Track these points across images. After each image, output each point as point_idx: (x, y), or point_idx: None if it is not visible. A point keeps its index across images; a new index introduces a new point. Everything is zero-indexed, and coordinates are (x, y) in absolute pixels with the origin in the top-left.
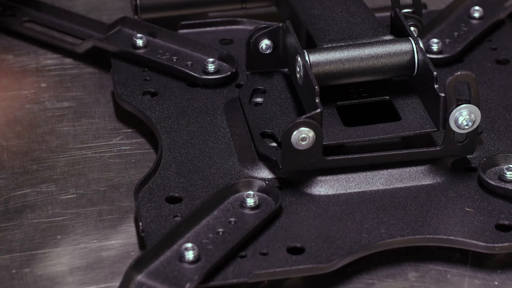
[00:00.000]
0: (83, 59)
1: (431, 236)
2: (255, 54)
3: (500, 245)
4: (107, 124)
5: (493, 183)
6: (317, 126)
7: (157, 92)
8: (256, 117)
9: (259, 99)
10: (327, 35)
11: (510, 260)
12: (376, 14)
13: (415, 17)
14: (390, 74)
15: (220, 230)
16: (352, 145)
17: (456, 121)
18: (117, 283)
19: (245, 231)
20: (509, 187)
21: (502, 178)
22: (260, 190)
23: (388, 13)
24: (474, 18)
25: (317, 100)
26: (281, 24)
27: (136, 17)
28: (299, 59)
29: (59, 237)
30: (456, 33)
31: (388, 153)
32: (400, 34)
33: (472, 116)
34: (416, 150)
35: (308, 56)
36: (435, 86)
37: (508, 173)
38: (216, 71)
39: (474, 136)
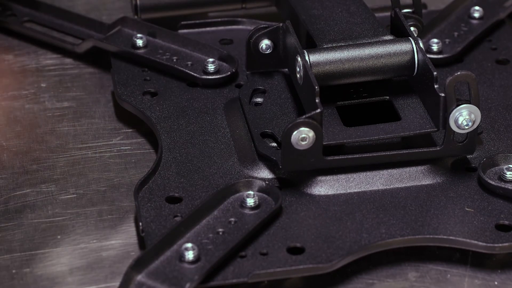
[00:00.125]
0: (83, 59)
1: (431, 236)
2: (255, 54)
3: (500, 245)
4: (107, 124)
5: (493, 183)
6: (317, 126)
7: (157, 92)
8: (256, 117)
9: (259, 99)
10: (327, 35)
11: (510, 260)
12: (376, 14)
13: (415, 17)
14: (390, 74)
15: (220, 230)
16: (352, 145)
17: (456, 121)
18: (117, 283)
19: (245, 231)
20: (509, 187)
21: (502, 178)
22: (260, 190)
23: (388, 13)
24: (474, 18)
25: (317, 100)
26: (281, 24)
27: (136, 17)
28: (299, 59)
29: (59, 237)
30: (456, 33)
31: (388, 153)
32: (400, 34)
33: (472, 116)
34: (416, 150)
35: (308, 56)
36: (435, 86)
37: (508, 173)
38: (216, 71)
39: (474, 136)
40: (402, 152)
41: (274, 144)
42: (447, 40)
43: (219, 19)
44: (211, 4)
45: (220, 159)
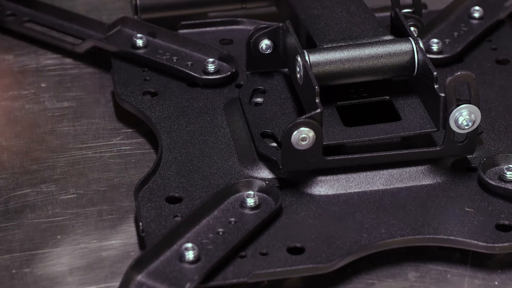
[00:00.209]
0: (83, 59)
1: (431, 236)
2: (255, 54)
3: (500, 245)
4: (107, 124)
5: (493, 183)
6: (317, 126)
7: (157, 92)
8: (256, 117)
9: (259, 99)
10: (327, 35)
11: (510, 260)
12: (376, 14)
13: (415, 17)
14: (390, 74)
15: (220, 230)
16: (352, 145)
17: (456, 121)
18: (117, 283)
19: (245, 231)
20: (509, 187)
21: (502, 178)
22: (260, 190)
23: (388, 13)
24: (474, 18)
25: (317, 100)
26: (281, 24)
27: (136, 17)
28: (299, 59)
29: (59, 237)
30: (456, 33)
31: (388, 153)
32: (400, 34)
33: (472, 116)
34: (416, 150)
35: (308, 56)
36: (435, 86)
37: (508, 173)
38: (216, 71)
39: (474, 136)
40: (402, 152)
41: (274, 144)
42: (447, 40)
43: (219, 19)
44: (211, 4)
45: (220, 159)
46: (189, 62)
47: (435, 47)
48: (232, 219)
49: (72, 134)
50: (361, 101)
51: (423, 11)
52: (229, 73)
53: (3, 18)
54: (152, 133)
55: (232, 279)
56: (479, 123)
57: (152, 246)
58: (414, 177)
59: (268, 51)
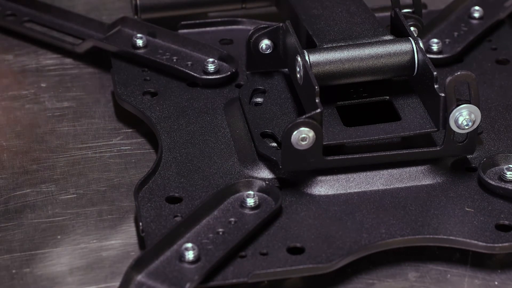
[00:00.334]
0: (83, 59)
1: (431, 236)
2: (255, 54)
3: (500, 245)
4: (107, 124)
5: (493, 183)
6: (317, 126)
7: (157, 92)
8: (256, 117)
9: (259, 99)
10: (327, 35)
11: (510, 260)
12: (376, 14)
13: (415, 17)
14: (390, 74)
15: (220, 230)
16: (352, 145)
17: (456, 121)
18: (117, 283)
19: (245, 231)
20: (509, 187)
21: (502, 178)
22: (260, 190)
23: (388, 13)
24: (474, 18)
25: (317, 100)
26: (281, 24)
27: (136, 17)
28: (299, 59)
29: (59, 237)
30: (456, 33)
31: (388, 153)
32: (400, 34)
33: (472, 116)
34: (416, 150)
35: (308, 56)
36: (435, 86)
37: (508, 173)
38: (216, 71)
39: (474, 136)
40: (402, 152)
41: (274, 144)
42: (447, 40)
43: (219, 19)
44: (211, 4)
45: (220, 159)
46: (189, 62)
47: (435, 47)
48: (232, 219)
49: (72, 134)
50: (361, 101)
51: (423, 11)
52: (229, 73)
53: (3, 18)
54: (152, 133)
55: (232, 279)
56: (479, 123)
57: (152, 246)
58: (414, 177)
59: (268, 51)
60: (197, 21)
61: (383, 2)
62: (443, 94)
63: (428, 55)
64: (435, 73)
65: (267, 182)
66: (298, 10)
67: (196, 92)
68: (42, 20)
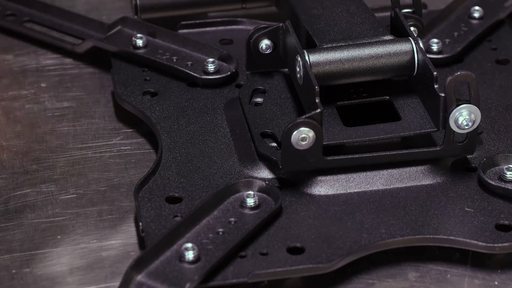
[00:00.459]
0: (83, 59)
1: (431, 236)
2: (255, 54)
3: (500, 245)
4: (107, 124)
5: (493, 183)
6: (317, 126)
7: (157, 92)
8: (256, 117)
9: (259, 99)
10: (327, 35)
11: (510, 260)
12: (376, 14)
13: (415, 17)
14: (390, 74)
15: (220, 230)
16: (352, 145)
17: (456, 121)
18: (117, 283)
19: (245, 231)
20: (509, 187)
21: (502, 178)
22: (260, 190)
23: (388, 13)
24: (474, 18)
25: (317, 100)
26: (281, 24)
27: (136, 17)
28: (299, 59)
29: (59, 237)
30: (456, 33)
31: (388, 153)
32: (400, 34)
33: (472, 116)
34: (416, 150)
35: (308, 56)
36: (435, 86)
37: (508, 173)
38: (216, 71)
39: (474, 136)
40: (402, 152)
41: (274, 144)
42: (447, 40)
43: (219, 19)
44: (211, 4)
45: (220, 159)
46: (189, 62)
47: (435, 47)
48: (232, 219)
49: (72, 134)
50: (361, 101)
51: (423, 11)
52: (229, 73)
53: (3, 18)
54: (152, 133)
55: (232, 279)
56: (479, 123)
57: (152, 246)
58: (414, 177)
59: (268, 51)
60: (197, 21)
61: (383, 2)
62: (443, 94)
63: (428, 55)
64: (435, 73)
65: (267, 182)
66: (298, 10)
67: (196, 92)
68: (42, 20)
